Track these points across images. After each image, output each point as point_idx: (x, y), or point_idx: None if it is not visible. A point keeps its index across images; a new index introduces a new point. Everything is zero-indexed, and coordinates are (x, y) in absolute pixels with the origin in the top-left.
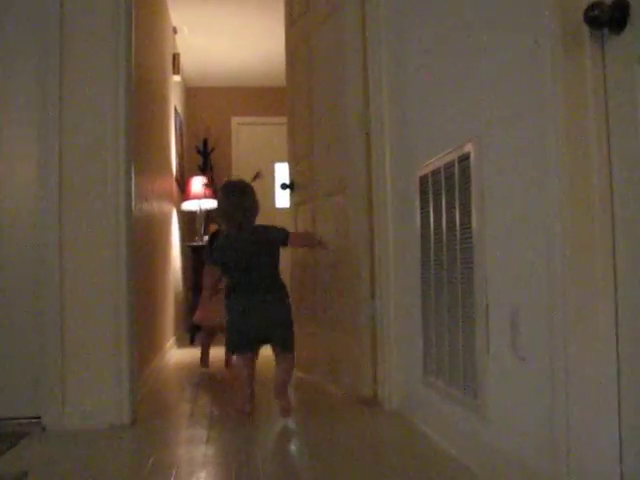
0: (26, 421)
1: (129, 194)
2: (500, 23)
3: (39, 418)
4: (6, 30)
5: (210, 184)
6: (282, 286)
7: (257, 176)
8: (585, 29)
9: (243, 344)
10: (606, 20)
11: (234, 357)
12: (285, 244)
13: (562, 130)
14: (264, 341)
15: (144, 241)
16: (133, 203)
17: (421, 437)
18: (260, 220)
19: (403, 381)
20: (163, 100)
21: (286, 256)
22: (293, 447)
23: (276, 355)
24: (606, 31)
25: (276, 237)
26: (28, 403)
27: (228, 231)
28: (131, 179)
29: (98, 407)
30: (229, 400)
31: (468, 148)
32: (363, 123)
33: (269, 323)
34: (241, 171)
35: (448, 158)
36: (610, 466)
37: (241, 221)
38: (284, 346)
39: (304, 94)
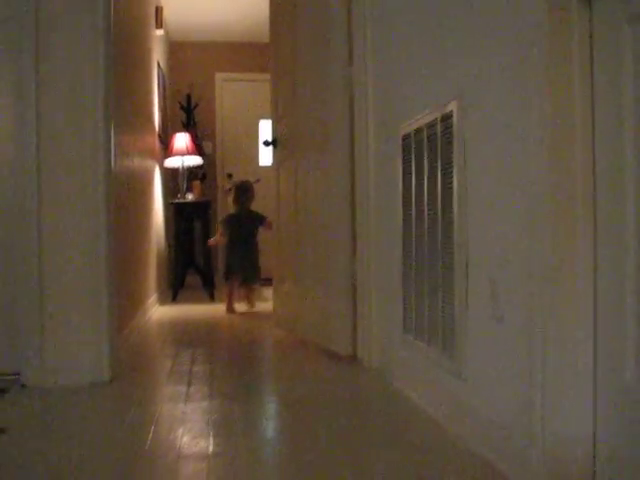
0: (4, 377)
1: (108, 148)
2: None
3: (18, 375)
4: None
5: (194, 141)
6: (256, 244)
7: (257, 181)
8: None
9: (232, 273)
10: None
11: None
12: (262, 224)
13: (546, 90)
14: (241, 275)
15: (125, 197)
16: (112, 158)
17: (399, 396)
18: (245, 178)
19: (383, 340)
20: (145, 54)
21: (267, 214)
22: (272, 404)
23: (246, 287)
24: None
25: (258, 219)
26: (6, 359)
27: (235, 211)
28: (110, 133)
29: (77, 364)
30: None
31: (451, 107)
32: (347, 79)
33: (246, 265)
34: (225, 128)
35: (431, 117)
36: (584, 426)
37: (242, 206)
38: (252, 280)
39: (288, 50)
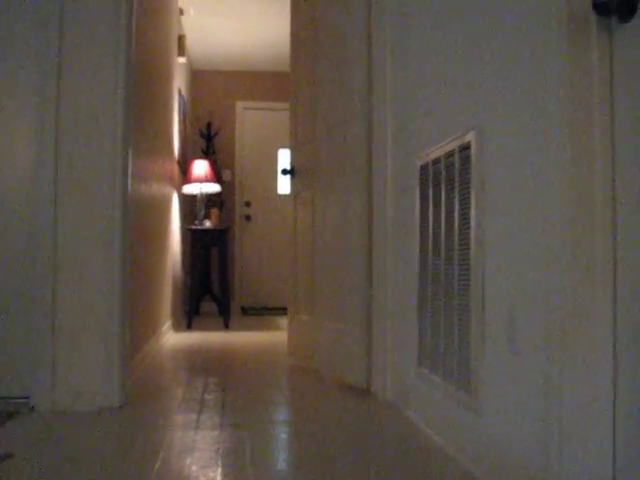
0: (15, 401)
1: (125, 174)
2: (505, 8)
3: (28, 398)
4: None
5: (213, 168)
6: None
7: None
8: (593, 17)
9: None
10: (614, 7)
11: None
12: None
13: (566, 121)
14: None
15: (142, 223)
16: (130, 184)
17: (413, 429)
18: (263, 206)
19: (397, 372)
20: (167, 81)
21: (285, 243)
22: (283, 436)
23: None
24: (614, 18)
25: None
26: (17, 383)
27: None
28: (128, 159)
29: (88, 388)
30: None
31: (469, 137)
32: (365, 109)
33: None
34: (244, 156)
35: (449, 147)
36: (602, 462)
37: None
38: None
39: (308, 79)
